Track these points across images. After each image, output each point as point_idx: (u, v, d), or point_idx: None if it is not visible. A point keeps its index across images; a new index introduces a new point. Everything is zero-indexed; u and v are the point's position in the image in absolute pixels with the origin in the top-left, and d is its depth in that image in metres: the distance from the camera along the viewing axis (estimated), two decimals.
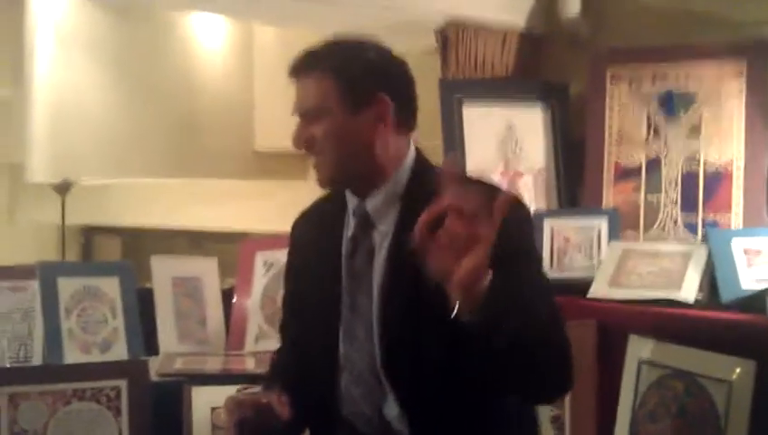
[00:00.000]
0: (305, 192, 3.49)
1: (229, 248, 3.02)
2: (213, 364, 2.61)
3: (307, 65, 1.76)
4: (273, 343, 2.70)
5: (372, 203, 1.78)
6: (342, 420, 1.79)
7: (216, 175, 3.41)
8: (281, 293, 2.77)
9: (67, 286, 2.58)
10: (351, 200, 1.83)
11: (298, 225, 2.00)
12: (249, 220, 3.42)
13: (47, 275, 2.58)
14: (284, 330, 2.01)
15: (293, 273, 1.97)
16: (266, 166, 3.37)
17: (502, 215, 1.39)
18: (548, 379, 1.61)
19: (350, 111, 1.73)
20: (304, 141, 1.76)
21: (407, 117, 1.79)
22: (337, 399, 1.78)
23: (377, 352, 1.73)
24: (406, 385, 1.72)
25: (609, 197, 2.74)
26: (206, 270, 2.82)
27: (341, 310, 1.78)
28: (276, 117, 3.58)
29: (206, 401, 2.46)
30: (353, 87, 1.73)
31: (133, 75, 3.42)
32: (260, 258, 2.82)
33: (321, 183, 1.80)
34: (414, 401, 1.72)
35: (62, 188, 3.46)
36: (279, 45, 3.47)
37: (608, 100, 2.78)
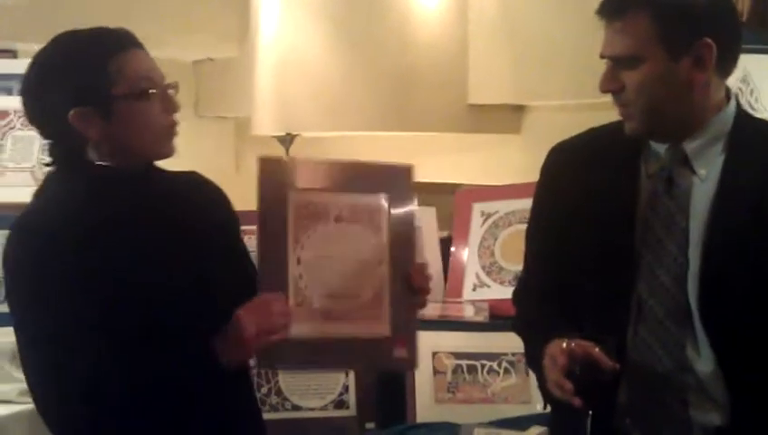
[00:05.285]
0: (518, 146, 3.55)
1: (443, 199, 3.08)
2: (431, 310, 2.66)
3: (621, 5, 1.58)
4: (490, 292, 2.76)
5: (691, 146, 1.63)
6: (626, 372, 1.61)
7: (429, 128, 3.46)
8: (499, 242, 2.85)
9: None
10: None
11: (561, 156, 1.78)
12: (463, 173, 3.46)
13: None
14: (542, 260, 1.81)
15: (557, 203, 1.75)
16: (480, 120, 3.39)
17: None
18: None
19: (668, 58, 1.56)
20: (613, 89, 1.61)
21: (729, 61, 1.62)
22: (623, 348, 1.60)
23: (691, 295, 1.58)
24: (726, 333, 1.57)
25: None
26: (424, 219, 2.85)
27: (636, 251, 1.63)
28: (490, 71, 3.62)
29: (426, 346, 2.52)
30: (674, 31, 1.56)
31: (351, 33, 3.52)
32: (477, 209, 2.86)
33: (632, 133, 1.64)
34: (731, 353, 1.57)
35: (286, 141, 3.63)
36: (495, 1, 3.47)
37: None
